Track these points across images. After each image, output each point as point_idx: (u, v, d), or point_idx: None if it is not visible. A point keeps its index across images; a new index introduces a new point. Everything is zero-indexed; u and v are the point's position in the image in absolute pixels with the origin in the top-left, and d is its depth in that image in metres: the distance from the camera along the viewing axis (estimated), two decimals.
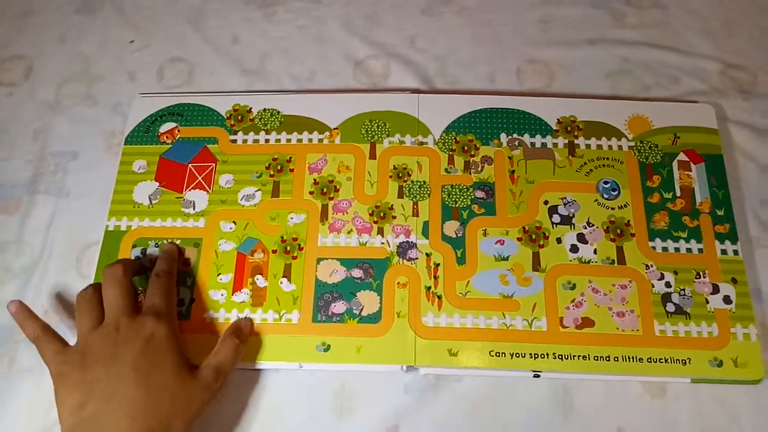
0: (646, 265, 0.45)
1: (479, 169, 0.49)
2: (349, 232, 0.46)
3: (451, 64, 0.55)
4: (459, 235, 0.46)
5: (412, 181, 0.48)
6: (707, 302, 0.44)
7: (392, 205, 0.47)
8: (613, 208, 0.47)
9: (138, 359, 0.37)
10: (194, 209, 0.47)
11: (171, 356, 0.38)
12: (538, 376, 0.43)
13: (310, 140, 0.50)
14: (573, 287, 0.44)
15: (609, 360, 0.42)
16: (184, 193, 0.48)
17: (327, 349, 0.43)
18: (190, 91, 0.54)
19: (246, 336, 0.43)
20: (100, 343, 0.38)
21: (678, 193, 0.48)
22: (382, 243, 0.46)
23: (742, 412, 0.42)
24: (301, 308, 0.44)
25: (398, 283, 0.44)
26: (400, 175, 0.48)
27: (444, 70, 0.55)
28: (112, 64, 0.56)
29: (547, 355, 0.42)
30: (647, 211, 0.47)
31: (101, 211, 0.48)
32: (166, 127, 0.51)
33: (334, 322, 0.43)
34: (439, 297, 0.44)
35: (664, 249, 0.46)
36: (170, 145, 0.50)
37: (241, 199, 0.48)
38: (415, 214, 0.47)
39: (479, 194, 0.48)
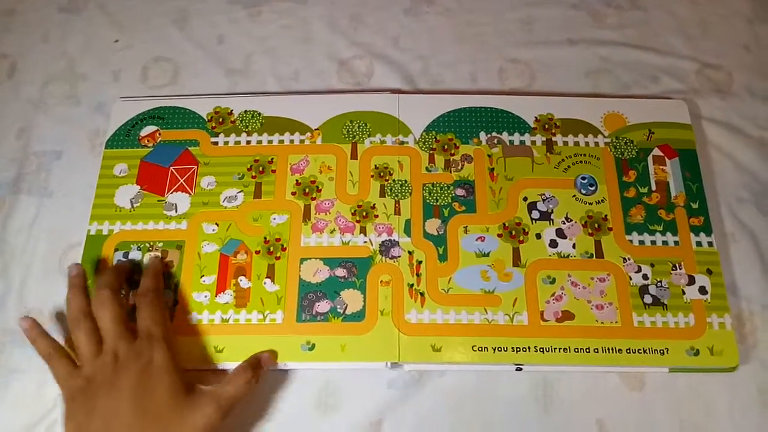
0: (624, 258, 0.46)
1: (459, 167, 0.49)
2: (331, 232, 0.47)
3: (434, 63, 0.55)
4: (440, 233, 0.46)
5: (394, 180, 0.48)
6: (683, 293, 0.45)
7: (374, 204, 0.47)
8: (590, 203, 0.48)
9: (136, 387, 0.38)
10: (176, 212, 0.47)
11: (168, 382, 0.38)
12: (521, 369, 0.43)
13: (292, 141, 0.50)
14: (553, 281, 0.45)
15: (589, 352, 0.43)
16: (165, 195, 0.48)
17: (312, 348, 0.43)
18: (174, 92, 0.54)
19: (263, 372, 0.42)
20: (101, 371, 0.39)
21: (653, 188, 0.48)
22: (365, 242, 0.46)
23: (719, 401, 0.43)
24: (285, 308, 0.44)
25: (381, 281, 0.45)
26: (382, 174, 0.49)
27: (427, 70, 0.55)
28: (96, 64, 0.56)
29: (529, 348, 0.43)
30: (624, 205, 0.48)
31: (85, 212, 0.48)
32: (147, 130, 0.51)
33: (319, 321, 0.44)
34: (422, 294, 0.44)
35: (641, 242, 0.46)
36: (151, 149, 0.50)
37: (224, 201, 0.48)
38: (397, 212, 0.47)
39: (459, 192, 0.48)
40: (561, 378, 0.44)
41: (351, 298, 0.44)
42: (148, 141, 0.50)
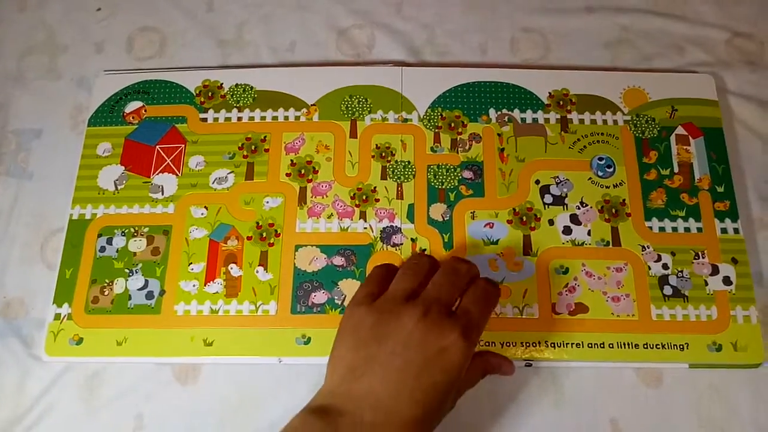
0: (643, 246, 0.43)
1: (467, 147, 0.46)
2: (329, 217, 0.44)
3: (440, 33, 0.52)
4: (446, 219, 0.44)
5: (396, 162, 0.46)
6: (706, 284, 0.43)
7: (375, 188, 0.45)
8: (607, 187, 0.45)
9: (422, 367, 0.32)
10: (163, 194, 0.45)
11: (450, 383, 0.32)
12: (530, 365, 0.42)
13: (286, 118, 0.47)
14: (566, 271, 0.43)
15: (604, 347, 0.41)
16: (151, 177, 0.46)
17: (307, 341, 0.41)
18: (161, 64, 0.51)
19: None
20: (402, 325, 0.33)
21: (676, 169, 0.46)
22: (365, 228, 0.44)
23: (741, 400, 0.41)
24: (278, 299, 0.42)
25: None
26: (383, 154, 0.46)
27: (432, 40, 0.52)
28: (77, 34, 0.53)
29: (539, 343, 0.41)
30: (644, 188, 0.45)
31: (67, 194, 0.46)
32: (131, 106, 0.48)
33: (315, 313, 0.42)
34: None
35: (661, 229, 0.44)
36: (136, 126, 0.48)
37: (213, 183, 0.46)
38: (400, 196, 0.45)
39: (467, 174, 0.45)
40: (573, 374, 0.42)
41: (349, 289, 0.42)
42: (133, 118, 0.48)
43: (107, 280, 0.43)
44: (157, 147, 0.47)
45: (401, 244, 0.43)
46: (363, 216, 0.44)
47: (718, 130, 0.47)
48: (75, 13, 0.54)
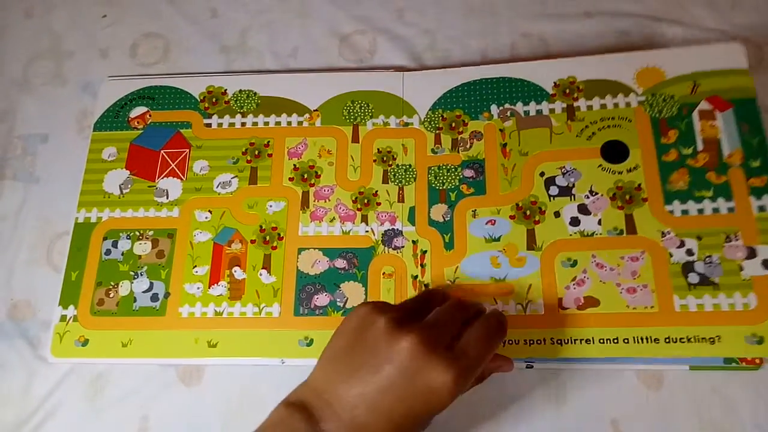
0: (663, 233, 0.41)
1: (468, 146, 0.45)
2: (331, 221, 0.44)
3: (441, 38, 0.52)
4: (447, 219, 0.44)
5: (398, 165, 0.46)
6: (741, 269, 0.39)
7: (377, 191, 0.45)
8: (620, 172, 0.43)
9: (407, 395, 0.31)
10: (167, 198, 0.46)
11: (430, 416, 0.32)
12: (531, 366, 0.41)
13: (289, 123, 0.48)
14: (574, 264, 0.41)
15: (618, 342, 0.38)
16: (156, 181, 0.46)
17: (310, 343, 0.41)
18: (165, 70, 0.52)
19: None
20: (399, 348, 0.31)
21: (700, 147, 0.42)
22: (367, 231, 0.44)
23: (741, 401, 0.41)
24: (281, 301, 0.42)
25: (384, 273, 0.43)
26: (385, 158, 0.46)
27: (433, 45, 0.52)
28: (83, 41, 0.54)
29: (544, 340, 0.39)
30: (662, 171, 0.42)
31: (73, 198, 0.46)
32: (136, 111, 0.49)
33: (317, 315, 0.42)
34: (426, 285, 0.42)
35: (684, 212, 0.41)
36: (141, 131, 0.48)
37: (217, 187, 0.46)
38: (401, 199, 0.45)
39: (468, 173, 0.45)
40: (574, 376, 0.42)
41: (351, 291, 0.43)
42: (137, 123, 0.48)
43: (112, 283, 0.43)
44: (162, 152, 0.47)
45: (402, 246, 0.43)
46: (365, 219, 0.44)
47: (750, 100, 0.43)
48: (81, 20, 0.54)
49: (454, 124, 0.46)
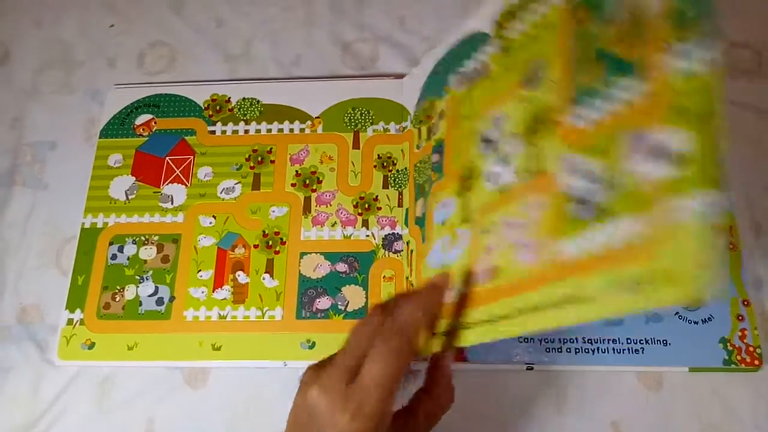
0: (564, 159, 0.28)
1: (437, 129, 0.42)
2: (333, 225, 0.45)
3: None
4: (423, 213, 0.42)
5: (397, 171, 0.46)
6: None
7: (377, 196, 0.46)
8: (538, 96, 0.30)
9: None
10: (172, 204, 0.46)
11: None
12: (531, 368, 0.41)
13: (291, 130, 0.48)
14: (488, 230, 0.33)
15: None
16: (161, 187, 0.47)
17: (312, 346, 0.42)
18: (171, 78, 0.52)
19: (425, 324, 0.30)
20: (308, 398, 0.29)
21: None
22: (368, 235, 0.45)
23: (741, 403, 0.41)
24: (284, 304, 0.43)
25: (384, 276, 0.43)
26: (385, 164, 0.47)
27: None
28: (91, 50, 0.54)
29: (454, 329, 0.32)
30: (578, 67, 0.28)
31: (80, 204, 0.47)
32: (142, 119, 0.49)
33: (319, 319, 0.42)
34: (413, 285, 0.42)
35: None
36: (147, 138, 0.49)
37: (221, 193, 0.46)
38: (400, 204, 0.45)
39: (435, 158, 0.41)
40: (574, 377, 0.42)
41: (353, 295, 0.43)
42: (143, 130, 0.49)
43: (118, 287, 0.44)
44: (167, 158, 0.48)
45: (402, 250, 0.44)
46: (365, 224, 0.45)
47: None
48: (89, 30, 0.55)
49: (430, 114, 0.43)
